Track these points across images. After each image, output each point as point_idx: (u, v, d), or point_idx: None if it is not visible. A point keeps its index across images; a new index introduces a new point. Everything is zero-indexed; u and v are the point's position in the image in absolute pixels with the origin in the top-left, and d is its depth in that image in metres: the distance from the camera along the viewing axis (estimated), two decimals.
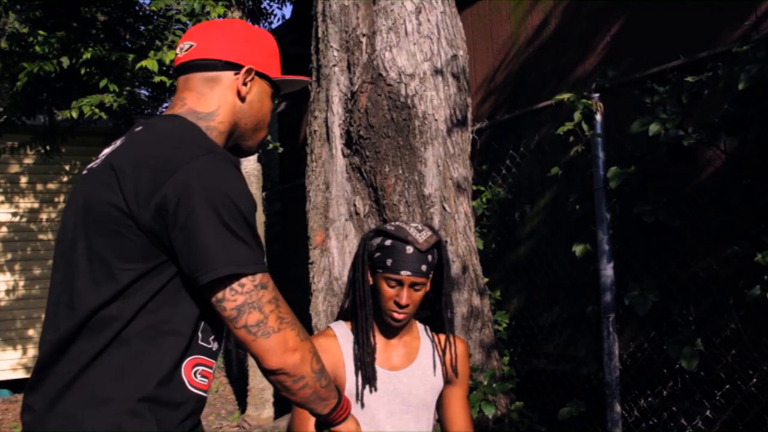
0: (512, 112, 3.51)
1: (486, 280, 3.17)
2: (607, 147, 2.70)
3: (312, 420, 1.55)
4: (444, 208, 2.97)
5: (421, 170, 2.94)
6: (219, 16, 4.42)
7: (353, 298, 1.64)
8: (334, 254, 3.10)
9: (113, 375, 1.05)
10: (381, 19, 3.06)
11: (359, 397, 1.59)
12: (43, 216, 6.76)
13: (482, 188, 3.64)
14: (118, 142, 1.19)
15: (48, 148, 5.59)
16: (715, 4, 2.79)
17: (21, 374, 6.44)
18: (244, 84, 1.27)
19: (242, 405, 5.30)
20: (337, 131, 3.17)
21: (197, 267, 1.04)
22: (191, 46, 1.27)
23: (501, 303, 3.69)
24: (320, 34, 3.29)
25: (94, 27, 5.23)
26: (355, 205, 3.10)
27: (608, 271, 2.65)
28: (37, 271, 6.65)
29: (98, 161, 1.18)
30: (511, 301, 3.81)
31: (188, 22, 4.57)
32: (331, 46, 3.21)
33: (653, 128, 2.35)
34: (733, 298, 2.51)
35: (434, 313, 1.74)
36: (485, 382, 2.78)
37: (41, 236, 6.73)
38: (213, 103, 1.25)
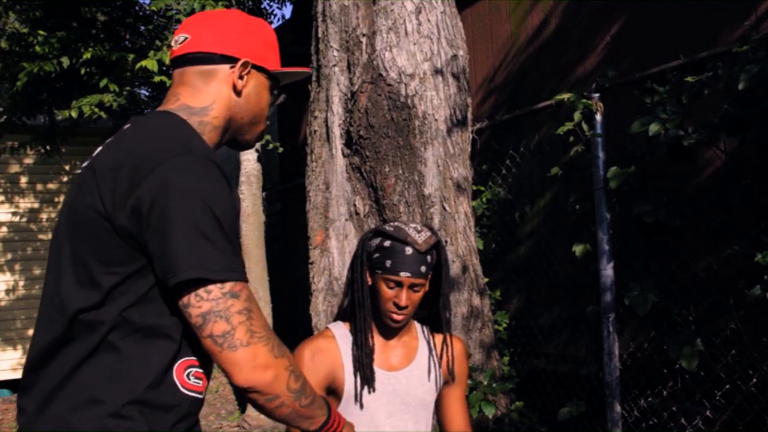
0: (512, 112, 3.51)
1: (486, 280, 3.17)
2: (607, 147, 2.70)
3: None
4: (444, 208, 2.97)
5: (421, 170, 2.94)
6: None
7: (352, 299, 1.63)
8: (334, 254, 3.10)
9: (103, 378, 1.04)
10: (381, 19, 3.06)
11: (358, 398, 1.59)
12: (43, 216, 6.76)
13: (482, 188, 3.64)
14: (107, 141, 1.18)
15: (48, 148, 5.59)
16: (715, 4, 2.79)
17: (21, 374, 6.45)
18: (240, 77, 1.23)
19: (242, 405, 5.30)
20: (337, 131, 3.17)
21: (166, 269, 1.00)
22: (185, 38, 1.23)
23: (501, 303, 3.70)
24: (320, 34, 3.29)
25: (94, 27, 5.23)
26: (355, 205, 3.10)
27: (608, 271, 2.65)
28: (37, 271, 6.65)
29: (86, 162, 1.17)
30: (511, 301, 3.81)
31: None
32: (331, 46, 3.21)
33: (653, 128, 2.35)
34: (733, 298, 2.51)
35: (432, 313, 1.74)
36: (485, 382, 2.78)
37: (41, 236, 6.73)
38: (207, 97, 1.21)
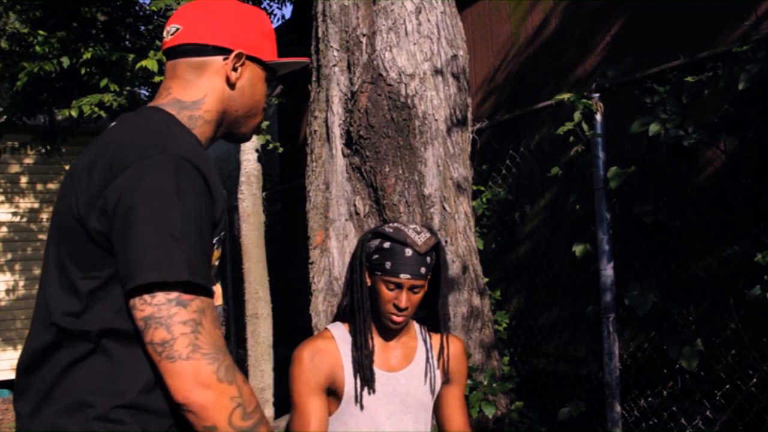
0: (512, 112, 3.51)
1: (486, 280, 3.17)
2: (607, 147, 2.70)
3: (313, 421, 1.55)
4: (444, 208, 2.97)
5: (421, 170, 2.94)
6: None
7: (351, 300, 1.63)
8: (334, 254, 3.10)
9: (93, 383, 1.02)
10: (381, 19, 3.06)
11: (358, 399, 1.59)
12: (43, 216, 6.76)
13: (482, 188, 3.64)
14: (94, 140, 1.16)
15: (48, 148, 5.59)
16: (715, 4, 2.79)
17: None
18: (234, 69, 1.19)
19: None
20: (337, 131, 3.17)
21: (123, 274, 0.96)
22: (177, 29, 1.18)
23: (501, 303, 3.69)
24: (320, 34, 3.29)
25: (94, 27, 5.23)
26: (355, 205, 3.10)
27: (608, 271, 2.65)
28: (37, 271, 6.65)
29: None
30: (511, 301, 3.81)
31: None
32: (331, 46, 3.21)
33: (653, 128, 2.35)
34: (733, 298, 2.51)
35: (431, 314, 1.74)
36: (485, 382, 2.78)
37: (41, 236, 6.73)
38: (199, 90, 1.17)
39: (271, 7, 6.91)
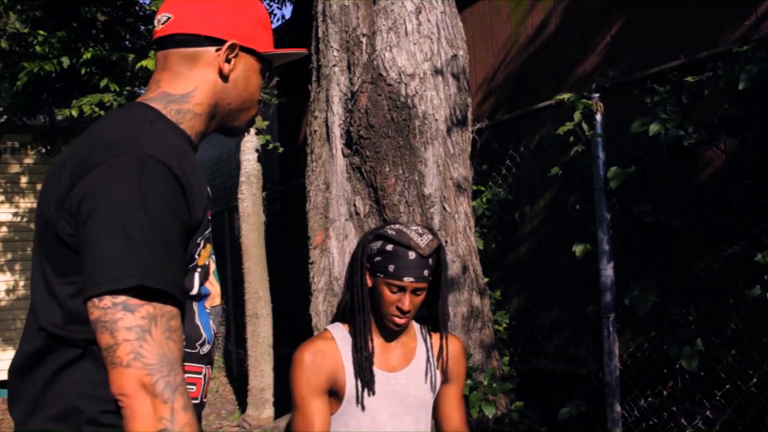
0: (512, 112, 3.51)
1: (486, 280, 3.17)
2: (607, 147, 2.70)
3: (316, 422, 1.55)
4: (444, 208, 2.97)
5: (421, 170, 2.94)
6: None
7: (351, 302, 1.63)
8: (334, 254, 3.10)
9: (84, 388, 0.99)
10: (381, 19, 3.06)
11: (360, 400, 1.59)
12: None
13: (482, 188, 3.64)
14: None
15: (48, 148, 5.60)
16: (715, 4, 2.79)
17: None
18: (227, 61, 1.13)
19: (242, 405, 5.30)
20: (337, 131, 3.17)
21: (83, 279, 0.92)
22: (168, 18, 1.13)
23: (501, 303, 3.70)
24: (320, 34, 3.29)
25: (94, 27, 5.23)
26: (355, 205, 3.10)
27: (608, 271, 2.65)
28: None
29: None
30: (511, 301, 3.81)
31: None
32: (331, 46, 3.21)
33: (653, 128, 2.35)
34: (733, 298, 2.52)
35: (431, 313, 1.74)
36: (485, 382, 2.78)
37: None
38: (190, 83, 1.12)
39: (271, 7, 6.91)
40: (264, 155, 5.20)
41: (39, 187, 6.74)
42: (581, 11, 3.46)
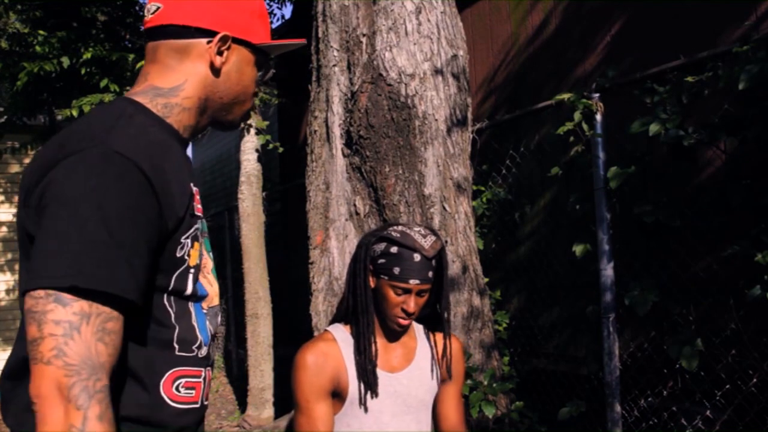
0: (512, 112, 3.52)
1: (486, 280, 3.17)
2: (607, 147, 2.71)
3: (320, 425, 1.55)
4: (444, 208, 2.97)
5: (421, 170, 2.94)
6: None
7: (354, 304, 1.62)
8: (334, 254, 3.10)
9: None
10: (381, 19, 3.06)
11: (362, 401, 1.59)
12: None
13: (482, 188, 3.64)
14: None
15: None
16: (715, 4, 2.79)
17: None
18: (219, 53, 1.08)
19: (242, 405, 5.31)
20: (337, 131, 3.17)
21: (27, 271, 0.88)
22: (158, 8, 1.08)
23: (501, 303, 3.70)
24: (320, 34, 3.29)
25: (94, 27, 5.24)
26: (355, 205, 3.10)
27: (608, 271, 2.65)
28: None
29: None
30: (511, 301, 3.81)
31: None
32: (331, 46, 3.21)
33: (653, 128, 2.35)
34: (733, 298, 2.52)
35: (431, 313, 1.74)
36: (485, 382, 2.78)
37: None
38: (178, 76, 1.08)
39: (270, 7, 6.91)
40: (264, 155, 5.20)
41: None
42: (581, 11, 3.46)
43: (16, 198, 6.68)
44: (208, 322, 1.11)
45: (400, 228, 1.58)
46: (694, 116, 2.55)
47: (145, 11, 1.10)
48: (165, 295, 1.01)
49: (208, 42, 1.08)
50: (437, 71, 3.05)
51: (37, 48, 4.54)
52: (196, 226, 1.04)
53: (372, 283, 1.60)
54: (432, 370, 1.69)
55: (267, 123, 5.29)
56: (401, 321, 1.57)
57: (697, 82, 2.38)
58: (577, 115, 2.75)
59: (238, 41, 1.10)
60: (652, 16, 3.08)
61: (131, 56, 4.68)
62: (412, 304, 1.54)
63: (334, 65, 3.20)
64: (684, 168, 2.72)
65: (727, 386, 2.54)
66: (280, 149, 5.48)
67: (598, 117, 2.70)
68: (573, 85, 3.41)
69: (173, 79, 1.08)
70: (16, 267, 6.64)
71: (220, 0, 1.09)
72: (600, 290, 2.66)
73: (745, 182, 2.34)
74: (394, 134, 2.95)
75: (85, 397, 0.82)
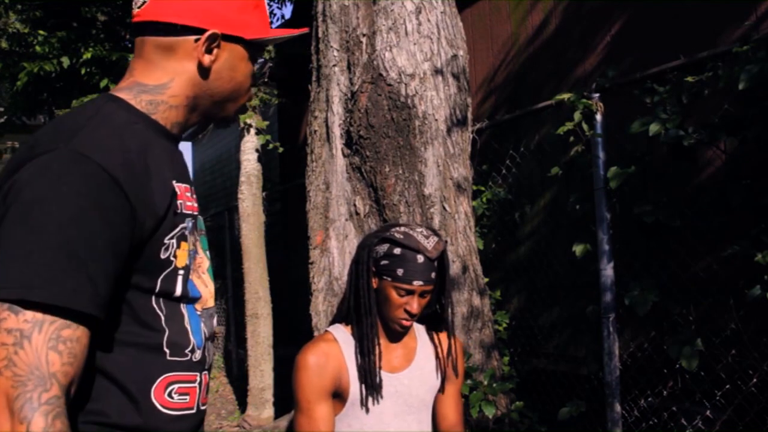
0: (512, 112, 3.52)
1: (486, 280, 3.17)
2: (607, 147, 2.71)
3: (322, 426, 1.55)
4: (444, 208, 2.97)
5: (421, 170, 2.94)
6: None
7: (357, 305, 1.62)
8: (334, 254, 3.10)
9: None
10: (381, 19, 3.06)
11: (364, 402, 1.58)
12: None
13: (482, 188, 3.64)
14: None
15: None
16: (715, 4, 2.79)
17: None
18: (208, 51, 1.03)
19: (242, 405, 5.31)
20: (337, 131, 3.17)
21: None
22: (144, 2, 1.02)
23: (501, 303, 3.70)
24: (320, 34, 3.29)
25: (94, 27, 5.24)
26: (355, 205, 3.10)
27: (608, 271, 2.65)
28: None
29: None
30: (511, 301, 3.81)
31: None
32: (331, 46, 3.21)
33: (653, 128, 2.35)
34: (733, 298, 2.52)
35: (432, 313, 1.74)
36: (485, 382, 2.78)
37: None
38: (164, 74, 1.03)
39: (271, 7, 6.91)
40: (264, 155, 5.20)
41: None
42: (581, 11, 3.46)
43: None
44: (202, 325, 1.07)
45: (402, 229, 1.58)
46: (694, 116, 2.55)
47: (134, 4, 1.05)
48: (153, 297, 0.97)
49: (196, 40, 1.02)
50: (437, 71, 3.05)
51: (37, 48, 4.54)
52: (182, 225, 1.00)
53: (374, 284, 1.60)
54: (432, 370, 1.69)
55: (267, 123, 5.29)
56: (404, 322, 1.57)
57: (697, 82, 2.38)
58: (577, 115, 2.75)
59: (229, 38, 1.04)
60: (652, 16, 3.08)
61: (131, 56, 4.67)
62: (415, 305, 1.54)
63: (334, 65, 3.20)
64: (684, 168, 2.72)
65: (727, 386, 2.54)
66: (280, 149, 5.48)
67: (598, 117, 2.70)
68: (573, 85, 3.41)
69: (158, 76, 1.03)
70: None
71: None
72: (600, 290, 2.66)
73: (745, 182, 2.34)
74: (394, 134, 2.95)
75: (28, 409, 0.78)
